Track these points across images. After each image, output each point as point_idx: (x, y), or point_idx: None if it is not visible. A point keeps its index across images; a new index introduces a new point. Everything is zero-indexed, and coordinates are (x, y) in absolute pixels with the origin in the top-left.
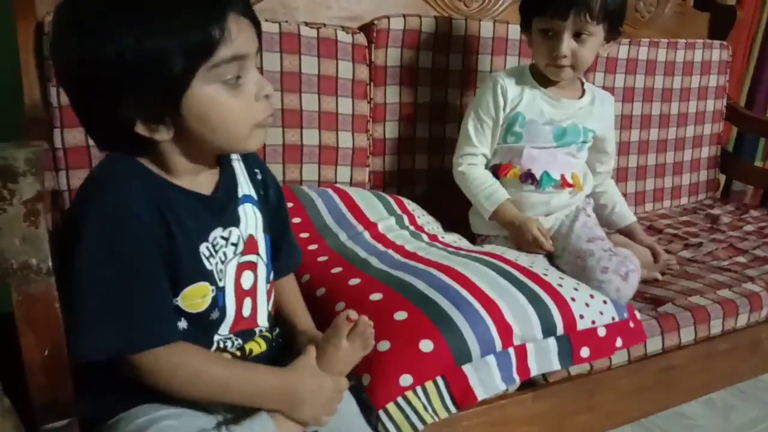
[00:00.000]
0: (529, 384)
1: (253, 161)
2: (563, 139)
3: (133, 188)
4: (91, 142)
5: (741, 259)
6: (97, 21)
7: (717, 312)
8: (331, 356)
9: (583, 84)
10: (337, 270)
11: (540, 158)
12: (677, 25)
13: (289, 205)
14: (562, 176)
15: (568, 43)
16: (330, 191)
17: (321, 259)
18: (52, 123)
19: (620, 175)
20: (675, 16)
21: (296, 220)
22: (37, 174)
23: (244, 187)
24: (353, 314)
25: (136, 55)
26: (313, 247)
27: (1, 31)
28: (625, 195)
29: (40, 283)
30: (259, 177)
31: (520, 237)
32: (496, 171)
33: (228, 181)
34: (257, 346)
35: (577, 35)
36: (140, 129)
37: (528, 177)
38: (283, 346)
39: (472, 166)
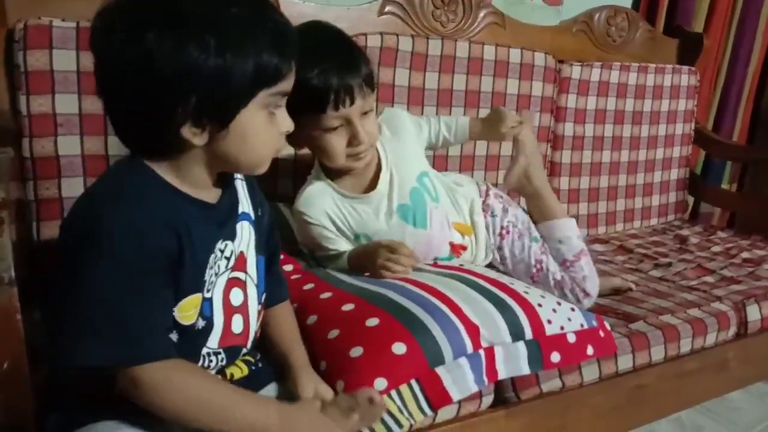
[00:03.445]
0: (502, 401)
1: (253, 183)
2: (414, 212)
3: (149, 202)
4: (61, 152)
5: (709, 279)
6: (183, 24)
7: (687, 331)
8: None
9: (378, 153)
10: (309, 286)
11: (417, 249)
12: (647, 51)
13: None
14: (451, 244)
15: (361, 126)
16: None
17: (294, 277)
18: (21, 132)
19: (592, 195)
20: (645, 41)
21: None
22: (1, 182)
23: (245, 204)
24: (377, 397)
25: (218, 64)
26: (288, 267)
27: None
28: (596, 215)
29: (1, 294)
30: (258, 199)
31: (372, 264)
32: None
33: (230, 196)
34: (239, 371)
35: (363, 114)
36: (186, 130)
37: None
38: (263, 371)
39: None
